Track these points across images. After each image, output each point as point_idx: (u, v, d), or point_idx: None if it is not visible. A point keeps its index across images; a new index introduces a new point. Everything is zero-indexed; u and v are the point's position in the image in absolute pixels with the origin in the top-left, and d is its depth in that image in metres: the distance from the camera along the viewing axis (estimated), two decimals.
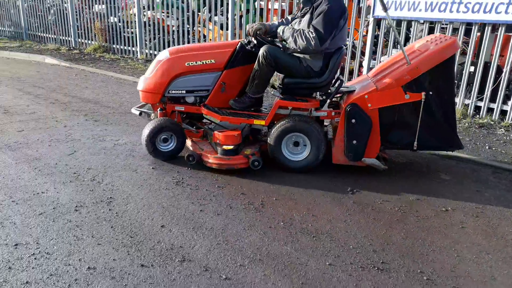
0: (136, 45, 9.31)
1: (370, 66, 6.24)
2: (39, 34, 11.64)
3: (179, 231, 2.61)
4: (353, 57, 6.67)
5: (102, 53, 9.62)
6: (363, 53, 6.54)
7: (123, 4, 9.99)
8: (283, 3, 7.82)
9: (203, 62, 3.61)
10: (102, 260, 2.29)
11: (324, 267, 2.32)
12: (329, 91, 3.62)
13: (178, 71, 3.61)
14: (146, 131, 3.56)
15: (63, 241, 2.44)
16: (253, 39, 3.60)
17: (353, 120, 3.34)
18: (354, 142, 3.37)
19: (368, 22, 6.19)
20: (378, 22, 6.18)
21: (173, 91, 3.66)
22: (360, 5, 6.26)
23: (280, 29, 3.47)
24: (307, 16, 3.39)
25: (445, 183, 3.50)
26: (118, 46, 9.71)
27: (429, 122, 3.37)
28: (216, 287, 2.12)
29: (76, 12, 10.42)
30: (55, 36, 11.15)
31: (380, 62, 6.10)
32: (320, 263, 2.35)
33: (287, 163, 3.53)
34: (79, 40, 10.64)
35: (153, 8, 9.13)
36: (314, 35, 3.23)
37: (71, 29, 10.60)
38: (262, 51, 3.40)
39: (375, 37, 6.38)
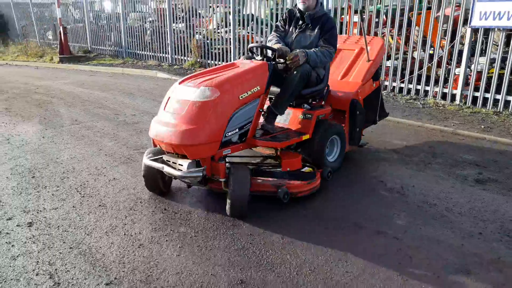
0: (229, 60, 10.27)
1: (467, 74, 6.58)
2: (138, 52, 13.07)
3: (345, 207, 3.24)
4: (438, 65, 7.02)
5: (199, 67, 10.69)
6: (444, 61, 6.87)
7: (196, 22, 11.18)
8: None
9: (252, 91, 3.16)
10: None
11: (477, 233, 2.83)
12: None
13: (234, 107, 3.05)
14: (240, 191, 2.88)
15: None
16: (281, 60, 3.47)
17: (358, 112, 3.99)
18: (358, 129, 4.07)
19: (465, 32, 6.55)
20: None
21: (229, 133, 3.08)
22: (438, 14, 6.67)
23: (304, 53, 3.40)
24: (315, 32, 3.60)
25: None
26: (211, 61, 10.75)
27: (381, 100, 4.46)
28: (390, 244, 2.71)
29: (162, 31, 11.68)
30: (152, 54, 12.48)
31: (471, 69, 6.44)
32: (474, 228, 2.86)
33: (327, 164, 3.70)
34: (175, 56, 11.86)
35: (227, 25, 10.08)
36: (332, 50, 3.59)
37: (169, 47, 11.84)
38: (304, 70, 3.39)
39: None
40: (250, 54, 3.62)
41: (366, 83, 4.15)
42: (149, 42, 12.54)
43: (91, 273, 2.38)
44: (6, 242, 2.69)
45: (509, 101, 6.25)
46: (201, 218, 3.03)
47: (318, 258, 2.55)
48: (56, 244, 2.67)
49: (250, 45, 3.45)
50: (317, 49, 3.53)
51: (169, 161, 3.03)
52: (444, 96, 6.96)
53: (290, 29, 3.76)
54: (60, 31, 13.15)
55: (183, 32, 11.31)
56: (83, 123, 5.59)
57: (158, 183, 3.28)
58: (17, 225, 2.91)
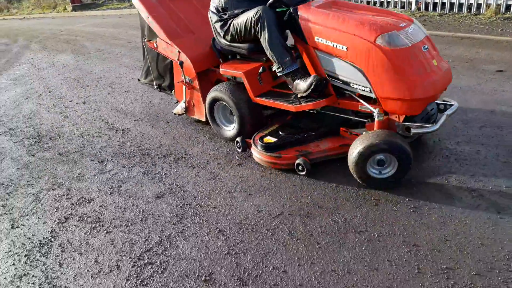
0: None
1: None
2: None
3: None
4: None
5: None
6: None
7: None
8: None
9: None
10: None
11: None
12: None
13: None
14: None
15: None
16: None
17: None
18: None
19: None
20: None
21: None
22: None
23: None
24: None
25: None
26: None
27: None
28: None
29: None
30: None
31: None
32: None
33: None
34: None
35: None
36: None
37: None
38: None
39: None
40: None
41: None
42: None
43: (125, 117, 4.09)
44: (73, 111, 4.43)
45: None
46: None
47: None
48: (102, 108, 4.39)
49: None
50: None
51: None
52: (403, 6, 8.17)
53: None
54: None
55: None
56: (105, 50, 7.20)
57: None
58: (76, 103, 4.64)
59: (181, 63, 3.25)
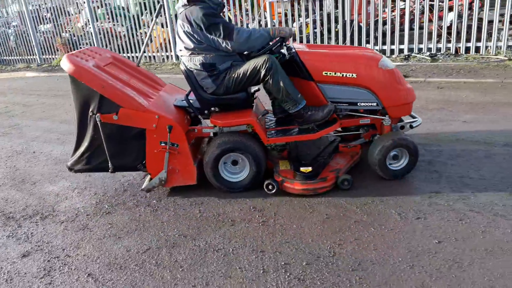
0: None
1: None
2: (4, 58, 13.47)
3: None
4: None
5: None
6: None
7: (66, 20, 12.01)
8: None
9: None
10: None
11: None
12: None
13: None
14: None
15: None
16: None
17: None
18: None
19: None
20: None
21: None
22: None
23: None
24: None
25: None
26: None
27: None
28: None
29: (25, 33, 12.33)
30: (20, 57, 13.05)
31: None
32: None
33: None
34: (43, 56, 12.62)
35: (97, 20, 11.13)
36: None
37: (35, 48, 12.54)
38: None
39: None
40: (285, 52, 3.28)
41: None
42: (14, 47, 13.04)
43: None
44: None
45: None
46: None
47: None
48: None
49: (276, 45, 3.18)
50: None
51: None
52: None
53: None
54: None
55: (50, 32, 12.04)
56: None
57: None
58: None
59: (170, 127, 3.05)
